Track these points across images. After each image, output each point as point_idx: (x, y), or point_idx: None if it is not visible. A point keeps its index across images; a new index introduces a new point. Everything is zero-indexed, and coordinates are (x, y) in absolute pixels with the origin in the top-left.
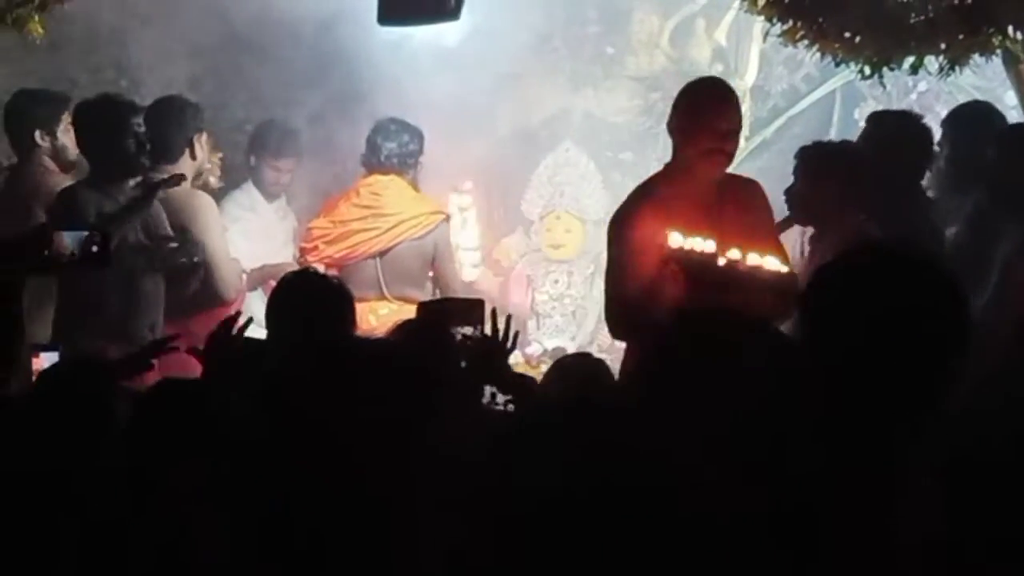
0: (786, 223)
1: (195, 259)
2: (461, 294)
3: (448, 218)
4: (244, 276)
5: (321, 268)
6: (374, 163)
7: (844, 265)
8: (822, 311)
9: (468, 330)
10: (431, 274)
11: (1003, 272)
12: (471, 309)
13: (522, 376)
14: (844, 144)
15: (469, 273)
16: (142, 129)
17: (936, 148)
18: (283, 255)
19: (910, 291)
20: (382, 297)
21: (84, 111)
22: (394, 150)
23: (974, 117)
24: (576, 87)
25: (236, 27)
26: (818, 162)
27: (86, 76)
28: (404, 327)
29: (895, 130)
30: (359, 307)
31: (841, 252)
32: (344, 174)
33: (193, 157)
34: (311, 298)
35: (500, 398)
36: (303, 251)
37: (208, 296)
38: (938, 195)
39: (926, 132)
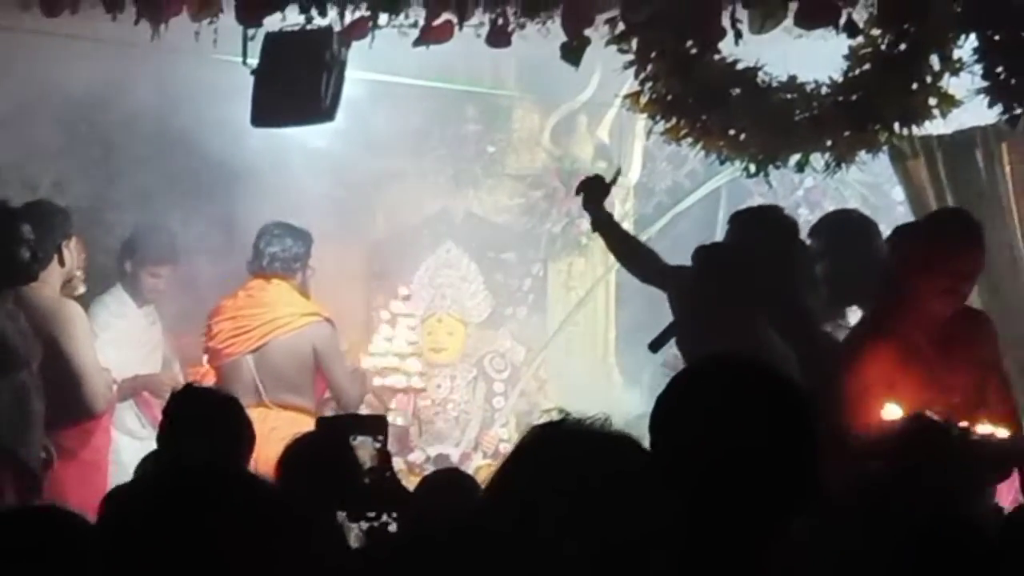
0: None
1: None
2: (354, 400)
3: (327, 320)
4: (115, 387)
5: (208, 378)
6: (256, 268)
7: (686, 378)
8: (667, 425)
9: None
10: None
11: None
12: (373, 424)
13: (400, 488)
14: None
15: (409, 381)
16: (32, 236)
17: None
18: (152, 362)
19: (750, 401)
20: (260, 403)
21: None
22: (277, 254)
23: (852, 231)
24: (457, 186)
25: (103, 129)
26: (719, 263)
27: None
28: (301, 441)
29: (762, 228)
30: None
31: (688, 366)
32: (216, 278)
33: (62, 264)
34: (210, 422)
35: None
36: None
37: (78, 409)
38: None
39: (790, 224)
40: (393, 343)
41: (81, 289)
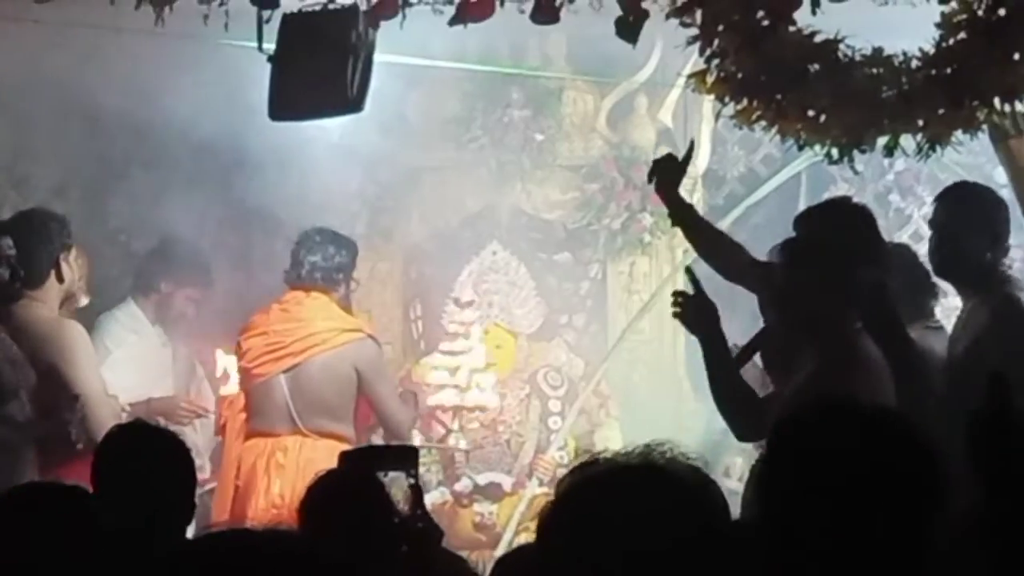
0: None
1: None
2: (404, 425)
3: (371, 338)
4: (124, 415)
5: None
6: (293, 278)
7: (798, 428)
8: (783, 480)
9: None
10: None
11: None
12: (404, 456)
13: (434, 529)
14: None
15: (481, 398)
16: (13, 252)
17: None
18: (163, 387)
19: (874, 451)
20: (296, 430)
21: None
22: (317, 263)
23: (982, 202)
24: (502, 180)
25: (107, 125)
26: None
27: None
28: (324, 481)
29: (840, 221)
30: (268, 443)
31: (790, 412)
32: (232, 287)
33: (60, 279)
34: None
35: None
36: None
37: (81, 441)
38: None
39: (868, 214)
40: (467, 356)
41: (84, 301)
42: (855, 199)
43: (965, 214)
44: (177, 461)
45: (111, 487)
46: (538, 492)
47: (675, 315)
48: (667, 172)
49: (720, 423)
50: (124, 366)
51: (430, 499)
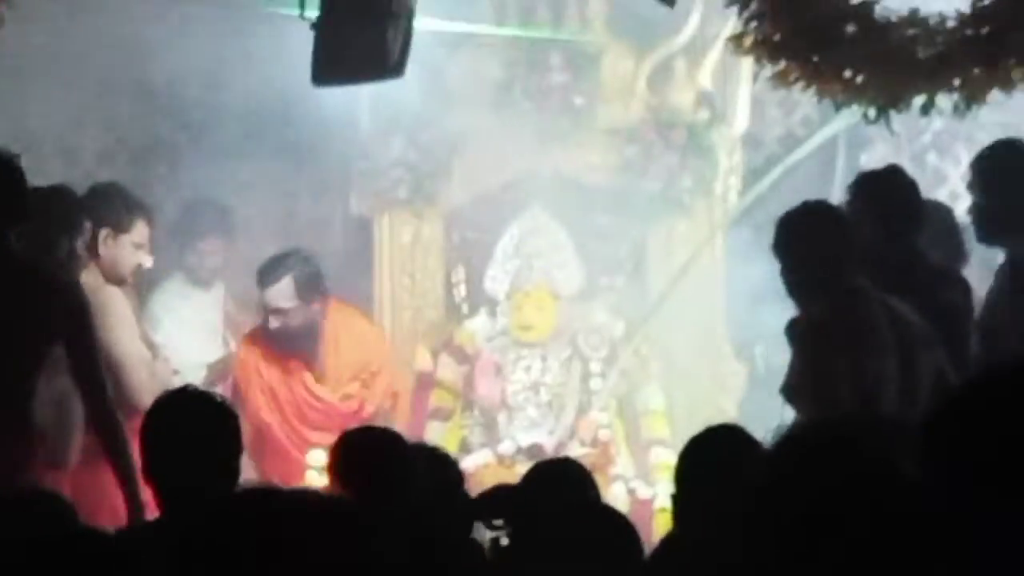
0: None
1: None
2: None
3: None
4: (176, 376)
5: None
6: None
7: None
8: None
9: None
10: None
11: None
12: None
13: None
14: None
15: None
16: (87, 227)
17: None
18: (215, 346)
19: None
20: None
21: (43, 199)
22: None
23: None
24: (542, 144)
25: (152, 92)
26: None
27: None
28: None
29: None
30: None
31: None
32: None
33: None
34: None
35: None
36: None
37: (120, 405)
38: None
39: (910, 189)
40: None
41: (148, 263)
42: (892, 159)
43: (1003, 174)
44: (224, 425)
45: (159, 452)
46: (580, 453)
47: None
48: None
49: (757, 381)
50: (176, 330)
51: (473, 460)
